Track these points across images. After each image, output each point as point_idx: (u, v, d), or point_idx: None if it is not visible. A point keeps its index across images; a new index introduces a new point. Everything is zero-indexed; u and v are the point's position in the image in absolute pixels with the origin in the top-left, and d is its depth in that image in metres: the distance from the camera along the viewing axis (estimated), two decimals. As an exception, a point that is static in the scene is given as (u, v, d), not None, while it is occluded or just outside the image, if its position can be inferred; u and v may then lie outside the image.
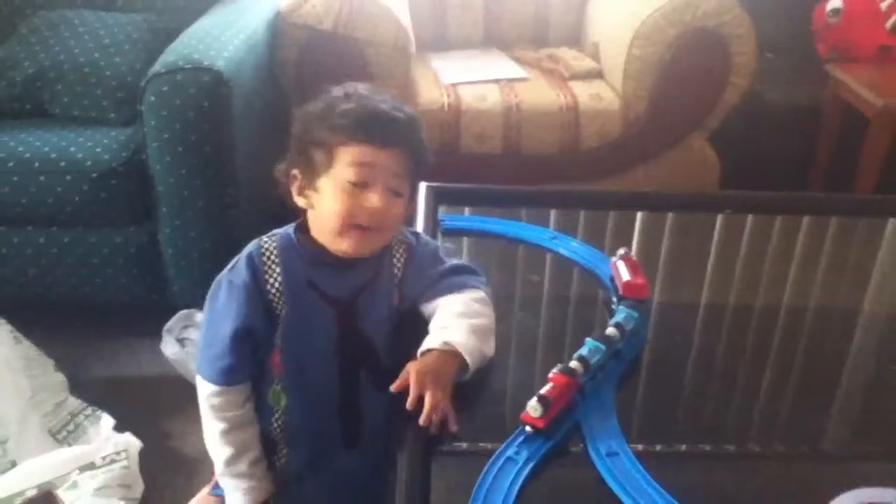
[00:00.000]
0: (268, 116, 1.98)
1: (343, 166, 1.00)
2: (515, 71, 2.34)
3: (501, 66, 2.38)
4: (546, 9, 2.57)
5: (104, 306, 1.91)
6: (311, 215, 1.06)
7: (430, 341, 0.99)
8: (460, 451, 0.93)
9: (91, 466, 1.49)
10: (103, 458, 1.50)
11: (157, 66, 1.65)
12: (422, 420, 0.90)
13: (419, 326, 1.07)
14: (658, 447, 0.95)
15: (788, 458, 0.97)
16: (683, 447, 0.97)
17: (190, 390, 1.76)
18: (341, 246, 1.03)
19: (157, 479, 1.55)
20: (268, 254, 1.06)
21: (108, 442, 1.55)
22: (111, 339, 1.91)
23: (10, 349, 1.65)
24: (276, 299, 1.05)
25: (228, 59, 1.69)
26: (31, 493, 1.40)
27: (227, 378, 1.06)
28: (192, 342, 1.81)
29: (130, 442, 1.56)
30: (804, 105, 2.52)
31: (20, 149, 1.72)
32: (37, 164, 1.70)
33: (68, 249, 1.77)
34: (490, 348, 1.02)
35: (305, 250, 1.06)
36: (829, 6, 2.57)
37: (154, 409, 1.72)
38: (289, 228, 1.09)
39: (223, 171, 1.70)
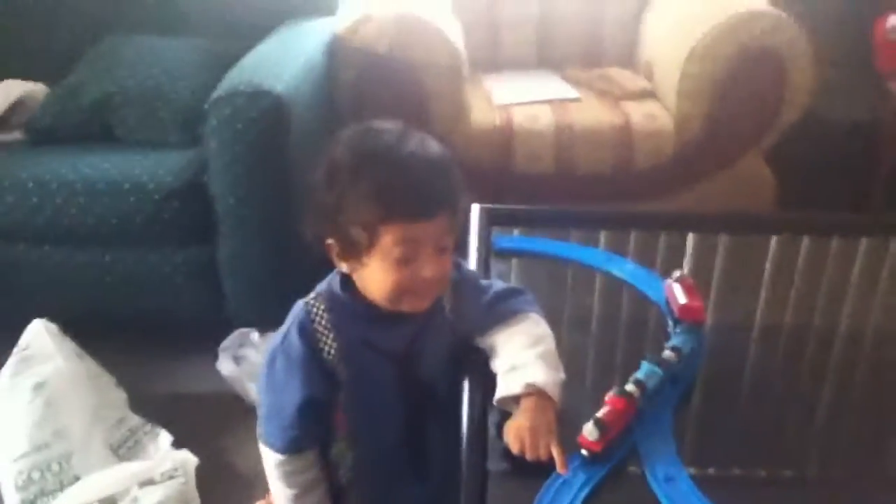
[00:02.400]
0: (326, 138, 2.00)
1: (389, 245, 0.93)
2: (568, 91, 2.34)
3: (554, 86, 2.39)
4: (599, 28, 2.56)
5: (163, 324, 1.95)
6: (356, 277, 1.00)
7: (511, 385, 0.97)
8: (517, 474, 0.93)
9: (150, 482, 1.52)
10: (162, 473, 1.53)
11: (219, 91, 1.69)
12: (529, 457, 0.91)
13: (468, 359, 1.07)
14: (715, 471, 0.94)
15: (848, 482, 0.95)
16: (740, 471, 0.96)
17: (245, 408, 1.80)
18: (398, 308, 0.99)
19: (212, 495, 1.57)
20: (318, 319, 1.02)
21: (166, 458, 1.57)
22: (169, 357, 1.94)
23: (74, 365, 1.69)
24: (334, 364, 1.03)
25: (287, 82, 1.73)
26: (94, 506, 1.44)
27: (296, 447, 1.05)
28: (248, 360, 1.84)
29: (187, 458, 1.58)
30: (864, 124, 2.47)
31: (86, 171, 1.77)
32: (101, 186, 1.75)
33: (131, 268, 1.81)
34: (562, 371, 1.01)
35: (357, 308, 1.01)
36: (889, 23, 2.52)
37: (210, 426, 1.75)
38: (333, 284, 1.04)
39: (281, 192, 1.73)
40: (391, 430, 1.08)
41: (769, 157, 2.29)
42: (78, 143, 1.91)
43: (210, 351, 1.86)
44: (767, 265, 1.40)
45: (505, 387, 0.98)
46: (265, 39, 2.01)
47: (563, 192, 2.20)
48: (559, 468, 0.89)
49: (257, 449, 1.57)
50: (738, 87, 2.14)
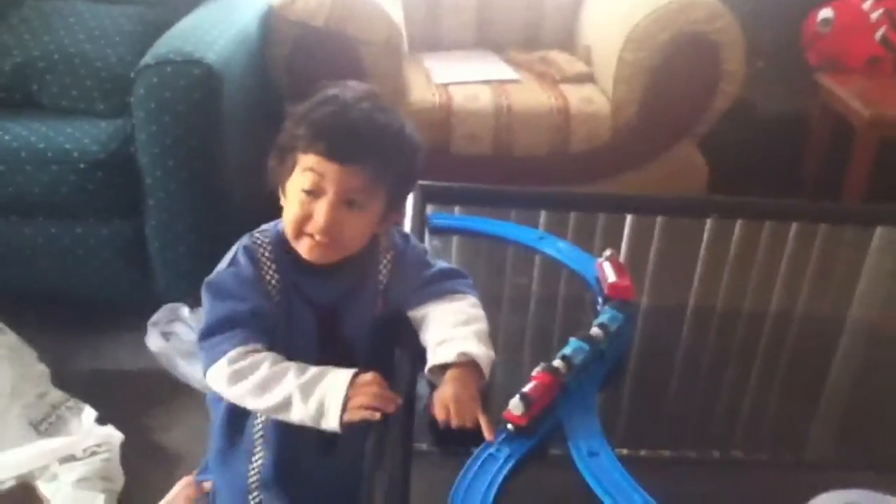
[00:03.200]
0: (259, 112, 1.98)
1: (300, 172, 0.98)
2: (507, 72, 2.34)
3: (493, 67, 2.39)
4: (538, 11, 2.57)
5: (89, 298, 1.90)
6: None
7: (444, 354, 0.98)
8: (442, 450, 0.93)
9: (72, 458, 1.48)
10: (84, 450, 1.49)
11: (148, 58, 1.64)
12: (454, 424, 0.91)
13: (401, 331, 1.07)
14: (639, 450, 0.95)
15: (769, 462, 0.98)
16: (665, 451, 0.97)
17: (173, 384, 1.77)
18: (299, 250, 1.01)
19: (138, 472, 1.54)
20: (262, 251, 1.04)
21: (90, 434, 1.54)
22: (95, 332, 1.90)
23: (-8, 339, 1.65)
24: (272, 295, 1.03)
25: (219, 52, 1.69)
26: (10, 483, 1.40)
27: (249, 341, 0.99)
28: (177, 336, 1.81)
29: (112, 434, 1.55)
30: (793, 113, 2.55)
31: (7, 138, 1.71)
32: (23, 154, 1.68)
33: (54, 240, 1.76)
34: (492, 350, 1.02)
35: (291, 252, 1.04)
36: (820, 16, 2.59)
37: (137, 403, 1.72)
38: (278, 225, 1.07)
39: (211, 164, 1.69)
40: None
41: (703, 145, 2.34)
42: (-2, 111, 1.84)
43: (138, 326, 1.82)
44: (701, 248, 1.42)
45: (437, 356, 0.99)
46: (198, 8, 1.96)
47: (500, 174, 2.20)
48: (486, 435, 0.90)
49: (185, 426, 1.55)
50: (672, 74, 2.17)
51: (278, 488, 1.11)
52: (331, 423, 0.94)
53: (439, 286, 1.08)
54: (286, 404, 0.95)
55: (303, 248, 1.00)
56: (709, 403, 1.08)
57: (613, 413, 1.03)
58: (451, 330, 1.02)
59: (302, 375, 0.96)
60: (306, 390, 0.95)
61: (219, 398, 1.14)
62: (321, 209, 0.97)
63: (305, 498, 1.13)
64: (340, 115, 0.98)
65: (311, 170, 0.97)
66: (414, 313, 1.08)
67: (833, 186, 2.40)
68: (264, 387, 0.96)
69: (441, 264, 1.13)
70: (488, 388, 0.98)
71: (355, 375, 0.95)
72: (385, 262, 1.08)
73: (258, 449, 1.11)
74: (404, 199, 1.11)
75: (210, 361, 0.99)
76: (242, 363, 0.98)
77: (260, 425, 1.10)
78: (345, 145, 0.96)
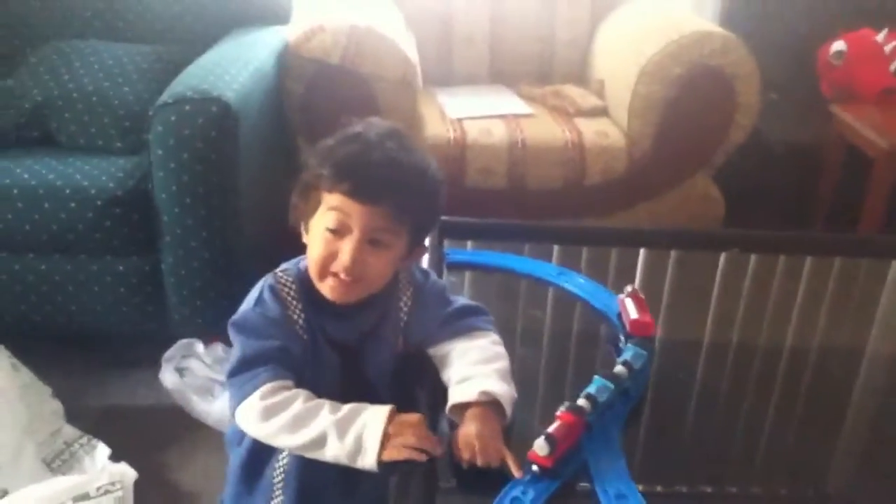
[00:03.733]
0: (274, 149, 1.98)
1: (325, 211, 0.98)
2: (521, 107, 2.35)
3: (507, 101, 2.39)
4: (551, 46, 2.58)
5: (104, 335, 1.89)
6: None
7: (466, 392, 0.97)
8: (466, 490, 0.91)
9: (85, 497, 1.46)
10: (98, 488, 1.47)
11: (165, 96, 1.65)
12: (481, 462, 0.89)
13: (421, 369, 1.06)
14: (665, 488, 0.94)
15: (792, 500, 0.96)
16: (688, 488, 0.96)
17: (188, 421, 1.76)
18: (322, 290, 1.01)
19: (151, 511, 1.53)
20: (286, 288, 1.04)
21: (103, 472, 1.52)
22: (109, 368, 1.89)
23: (7, 376, 1.63)
24: (301, 334, 1.03)
25: (237, 90, 1.69)
26: (24, 524, 1.38)
27: (280, 375, 0.98)
28: (192, 372, 1.80)
29: (125, 472, 1.53)
30: (808, 144, 2.54)
31: (25, 175, 1.71)
32: (41, 191, 1.69)
33: (70, 277, 1.75)
34: (514, 391, 1.01)
35: (314, 291, 1.03)
36: (833, 49, 2.59)
37: (151, 440, 1.70)
38: (299, 264, 1.07)
39: (228, 201, 1.69)
40: None
41: (718, 177, 2.33)
42: (17, 148, 1.85)
43: (152, 362, 1.81)
44: (716, 282, 1.41)
45: (459, 394, 0.98)
46: (215, 46, 1.98)
47: (515, 208, 2.20)
48: (515, 472, 0.89)
49: (199, 464, 1.53)
50: (687, 107, 2.17)
51: None
52: (368, 460, 0.92)
53: (460, 323, 1.07)
54: (321, 440, 0.93)
55: (327, 288, 1.00)
56: (729, 439, 1.06)
57: (637, 450, 1.01)
58: (473, 368, 1.00)
59: (338, 412, 0.94)
60: (342, 426, 0.93)
61: (239, 441, 1.12)
62: (346, 248, 0.97)
63: None
64: (365, 155, 0.98)
65: (336, 209, 0.97)
66: (435, 351, 1.07)
67: (848, 216, 2.39)
68: (299, 423, 0.94)
69: (461, 301, 1.12)
70: (511, 428, 0.96)
71: (393, 413, 0.94)
72: (405, 299, 1.08)
73: (277, 493, 1.09)
74: (426, 236, 1.10)
75: (241, 397, 0.98)
76: (275, 399, 0.96)
77: (280, 469, 1.08)
78: (369, 186, 0.96)
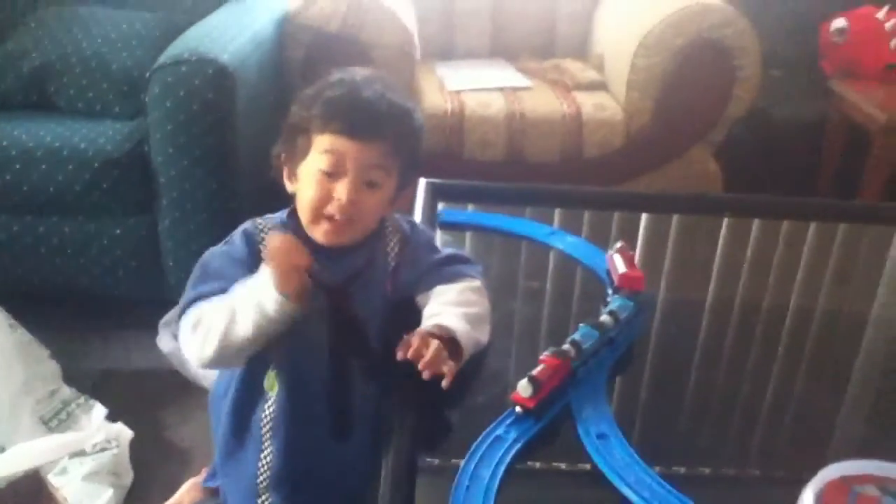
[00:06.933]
0: (273, 115, 1.98)
1: (317, 154, 0.99)
2: (520, 80, 2.35)
3: (506, 75, 2.39)
4: (552, 20, 2.58)
5: (101, 296, 1.90)
6: (297, 200, 1.05)
7: (425, 325, 0.98)
8: (450, 431, 0.92)
9: (81, 453, 1.48)
10: (94, 445, 1.49)
11: (162, 59, 1.66)
12: (422, 364, 0.89)
13: (412, 316, 1.06)
14: (647, 433, 0.94)
15: (774, 439, 0.97)
16: (671, 434, 0.96)
17: (184, 383, 1.76)
18: (315, 235, 1.02)
19: (147, 469, 1.54)
20: (263, 233, 1.05)
21: (100, 431, 1.54)
22: (107, 330, 1.90)
23: (4, 336, 1.64)
24: None
25: (234, 53, 1.70)
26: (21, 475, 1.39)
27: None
28: (188, 337, 1.81)
29: (121, 431, 1.55)
30: (809, 121, 2.53)
31: (23, 137, 1.72)
32: (39, 153, 1.70)
33: (67, 239, 1.77)
34: (483, 336, 1.01)
35: (297, 235, 1.03)
36: (834, 26, 2.58)
37: (147, 401, 1.71)
38: (282, 213, 1.08)
39: (225, 164, 1.70)
40: (316, 369, 1.07)
41: (718, 153, 2.33)
42: (15, 111, 1.87)
43: (149, 325, 1.80)
44: (718, 246, 1.41)
45: (422, 326, 0.98)
46: (214, 12, 1.98)
47: (513, 179, 2.20)
48: (444, 383, 0.90)
49: (194, 424, 1.55)
50: (686, 80, 2.17)
51: (288, 488, 1.10)
52: (269, 293, 0.93)
53: (447, 269, 1.08)
54: (234, 316, 0.96)
55: (320, 232, 1.01)
56: (719, 393, 1.07)
57: (623, 398, 1.01)
58: (443, 307, 1.01)
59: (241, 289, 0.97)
60: (241, 293, 0.96)
61: (224, 392, 1.13)
62: (342, 189, 0.98)
63: (315, 501, 1.12)
64: (355, 93, 0.99)
65: (329, 151, 0.98)
66: (421, 297, 1.07)
67: (848, 192, 2.39)
68: (214, 316, 0.97)
69: (449, 250, 1.13)
70: (476, 373, 0.97)
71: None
72: (393, 243, 1.09)
73: (266, 443, 1.10)
74: (413, 180, 1.12)
75: (180, 308, 1.01)
76: (191, 314, 0.99)
77: (267, 417, 1.09)
78: (363, 121, 0.98)
